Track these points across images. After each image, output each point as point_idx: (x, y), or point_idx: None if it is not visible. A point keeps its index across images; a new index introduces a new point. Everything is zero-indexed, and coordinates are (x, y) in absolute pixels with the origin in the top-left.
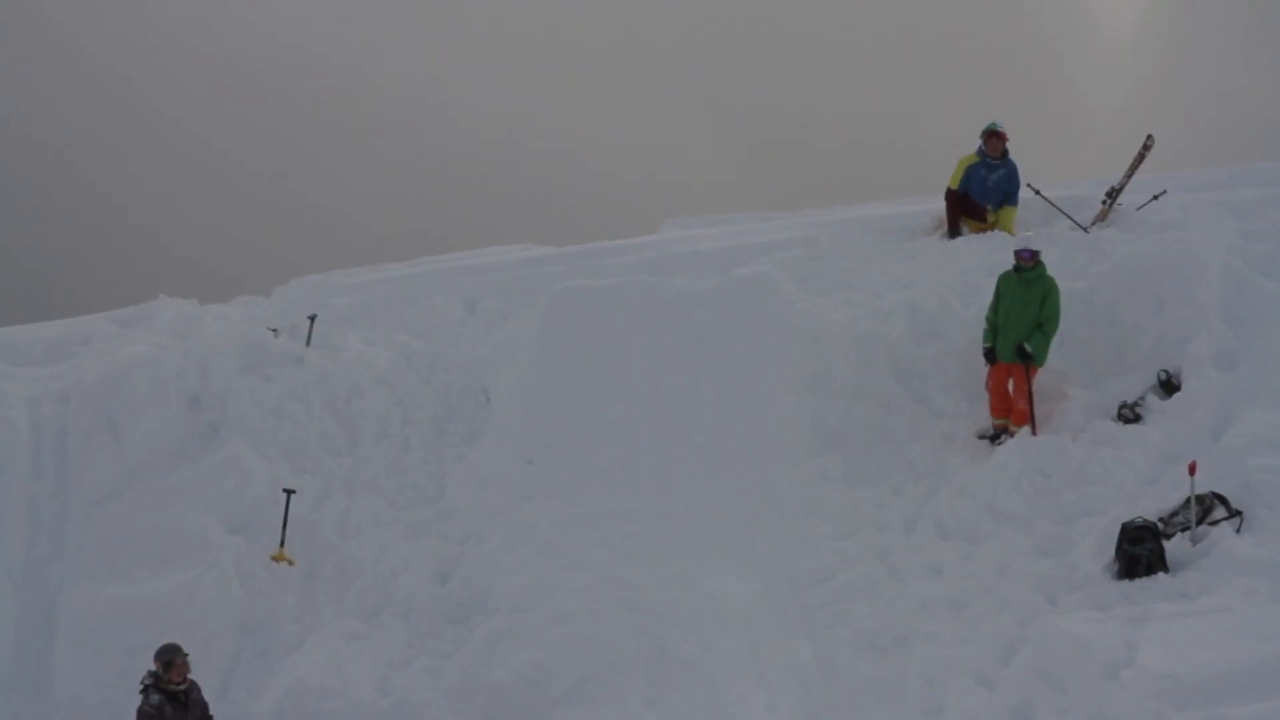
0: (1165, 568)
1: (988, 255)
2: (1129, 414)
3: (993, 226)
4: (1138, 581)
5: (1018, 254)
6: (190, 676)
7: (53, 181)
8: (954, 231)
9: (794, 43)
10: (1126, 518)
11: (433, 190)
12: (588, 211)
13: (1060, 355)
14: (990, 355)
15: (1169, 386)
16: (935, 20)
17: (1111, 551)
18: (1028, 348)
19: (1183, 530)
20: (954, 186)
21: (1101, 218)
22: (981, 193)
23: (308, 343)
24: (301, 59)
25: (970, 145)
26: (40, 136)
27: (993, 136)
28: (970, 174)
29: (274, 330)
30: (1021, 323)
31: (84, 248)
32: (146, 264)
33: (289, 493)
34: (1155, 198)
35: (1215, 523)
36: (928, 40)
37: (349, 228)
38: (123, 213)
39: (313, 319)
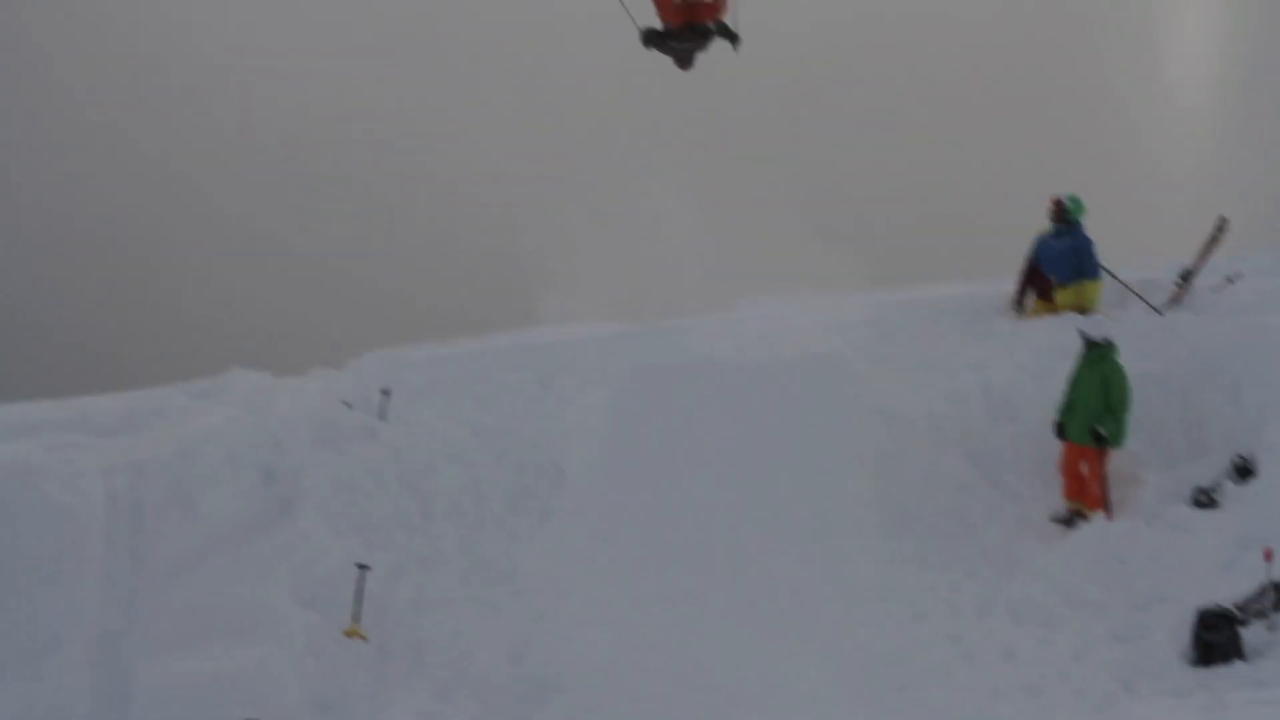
0: (1242, 655)
1: (1061, 336)
2: (1204, 499)
3: (1061, 308)
4: (1214, 669)
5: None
6: None
7: (130, 258)
8: (1019, 303)
9: (866, 120)
10: (1202, 604)
11: (505, 268)
12: (663, 289)
13: (1134, 439)
14: (1059, 430)
15: (1244, 471)
16: (1006, 97)
17: (1187, 638)
18: (1101, 431)
19: (1259, 617)
20: (1029, 256)
21: (1175, 300)
22: (1049, 263)
23: (381, 417)
24: (371, 149)
25: (1040, 222)
26: (118, 221)
27: (1051, 203)
28: (1040, 244)
29: (348, 404)
30: (1088, 404)
31: (159, 319)
32: (221, 336)
33: (363, 568)
34: (1229, 280)
35: None
36: (998, 115)
37: (423, 308)
38: (198, 287)
39: (387, 393)
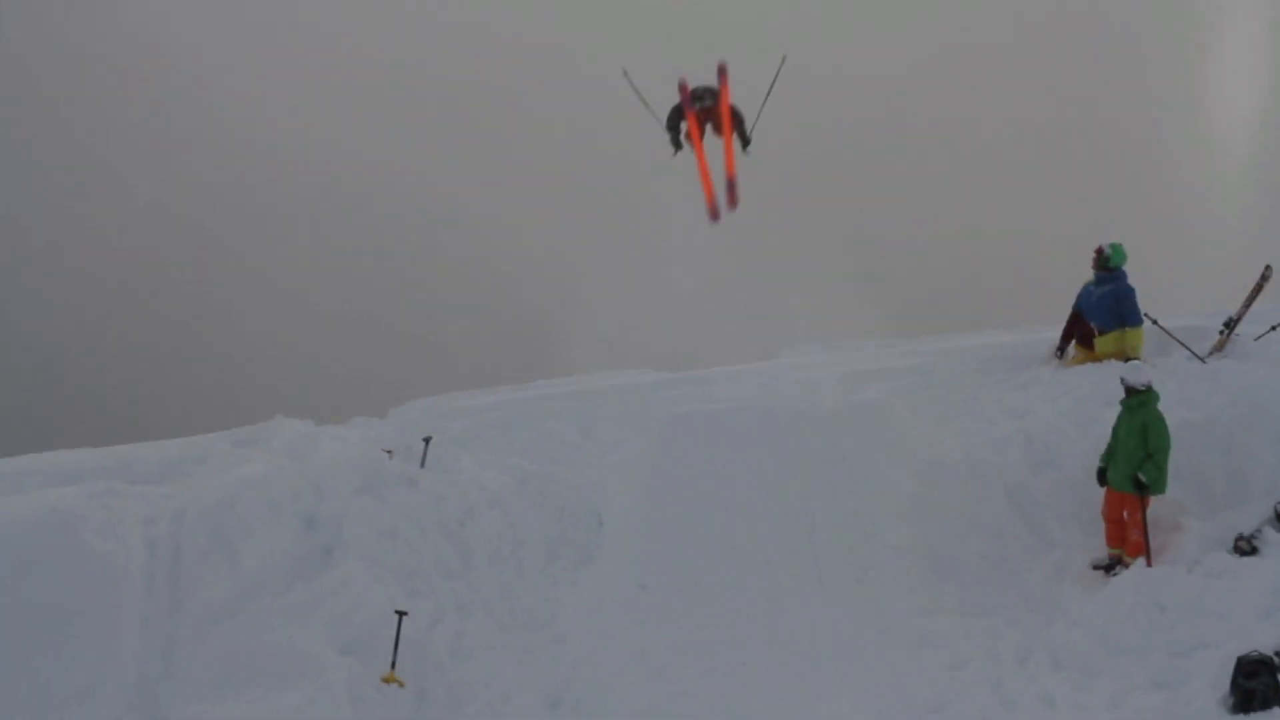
0: None
1: (1104, 384)
2: (1245, 546)
3: (1101, 356)
4: (1253, 716)
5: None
6: None
7: (176, 310)
8: (1061, 350)
9: (910, 167)
10: (1242, 651)
11: (543, 319)
12: (705, 336)
13: (1176, 486)
14: (1100, 476)
15: None
16: (1054, 145)
17: (1227, 685)
18: (1142, 478)
19: None
20: (1075, 306)
21: (1219, 348)
22: (1090, 311)
23: (422, 465)
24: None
25: (1085, 273)
26: (165, 276)
27: (1094, 252)
28: (1083, 292)
29: (389, 452)
30: (1129, 451)
31: (204, 369)
32: (264, 385)
33: (401, 614)
34: (1274, 328)
35: None
36: (1045, 163)
37: (462, 359)
38: (243, 338)
39: (427, 441)
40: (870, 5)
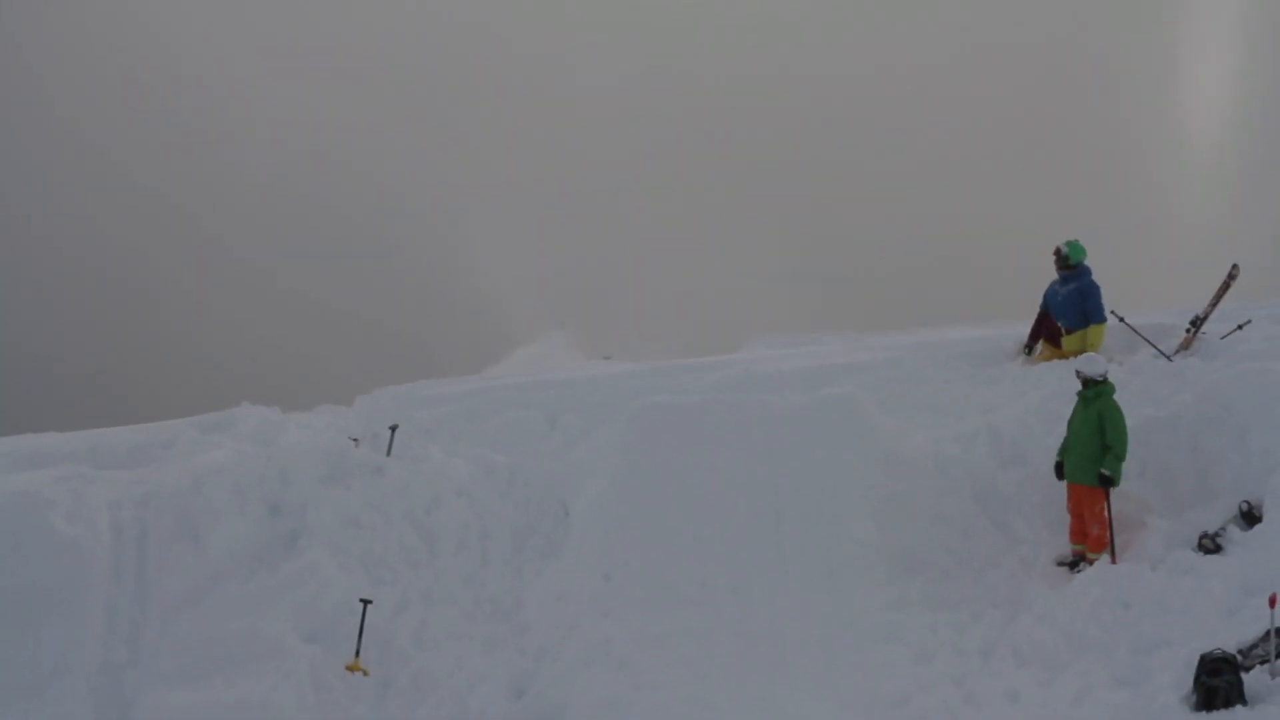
0: (1243, 700)
1: (1069, 381)
2: (1210, 544)
3: (1068, 354)
4: (1215, 714)
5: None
6: None
7: (144, 295)
8: (1029, 347)
9: (884, 165)
10: (1205, 649)
11: (509, 309)
12: (672, 328)
13: (1141, 483)
14: (1059, 470)
15: (1250, 518)
16: (1022, 141)
17: (1190, 683)
18: (1106, 472)
19: (1262, 663)
20: (1042, 304)
21: (1185, 346)
22: (1056, 309)
23: (388, 453)
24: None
25: (1052, 270)
26: (134, 262)
27: (1054, 253)
28: (1049, 290)
29: (355, 440)
30: (1084, 443)
31: (171, 354)
32: (230, 372)
33: (365, 603)
34: (1240, 327)
35: None
36: (1013, 161)
37: (432, 349)
38: (211, 324)
39: (394, 429)
40: (845, 11)
